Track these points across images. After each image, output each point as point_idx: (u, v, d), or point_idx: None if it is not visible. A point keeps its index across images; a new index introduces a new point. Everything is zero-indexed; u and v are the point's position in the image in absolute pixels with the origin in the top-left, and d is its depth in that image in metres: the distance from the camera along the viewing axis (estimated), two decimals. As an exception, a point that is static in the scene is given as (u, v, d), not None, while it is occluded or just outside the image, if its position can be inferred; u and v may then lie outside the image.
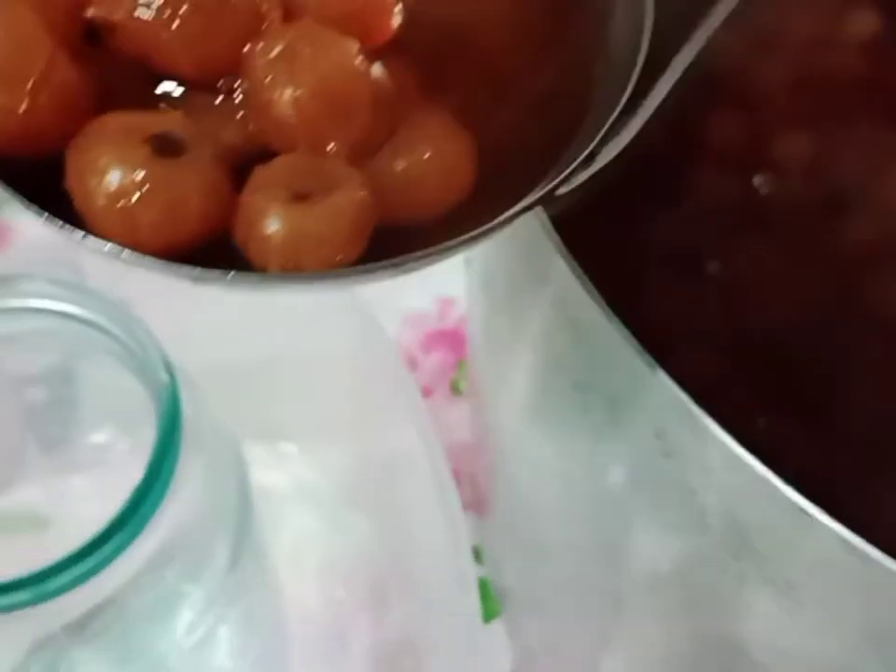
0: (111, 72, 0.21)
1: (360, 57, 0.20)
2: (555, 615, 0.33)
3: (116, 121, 0.20)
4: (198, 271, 0.19)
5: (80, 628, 0.26)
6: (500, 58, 0.23)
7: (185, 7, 0.20)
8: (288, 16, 0.21)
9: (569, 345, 0.24)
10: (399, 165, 0.21)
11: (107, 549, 0.24)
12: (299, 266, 0.20)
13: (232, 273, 0.19)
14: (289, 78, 0.20)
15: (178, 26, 0.20)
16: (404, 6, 0.21)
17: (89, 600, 0.25)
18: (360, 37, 0.21)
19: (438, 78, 0.22)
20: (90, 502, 0.32)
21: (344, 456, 0.40)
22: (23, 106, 0.20)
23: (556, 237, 0.22)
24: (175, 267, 0.19)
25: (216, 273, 0.19)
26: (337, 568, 0.40)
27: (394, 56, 0.22)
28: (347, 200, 0.20)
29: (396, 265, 0.20)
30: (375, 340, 0.36)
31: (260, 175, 0.20)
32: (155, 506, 0.24)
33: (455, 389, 0.44)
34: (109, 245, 0.19)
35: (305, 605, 0.40)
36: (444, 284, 0.46)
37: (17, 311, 0.27)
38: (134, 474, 0.26)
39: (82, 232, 0.19)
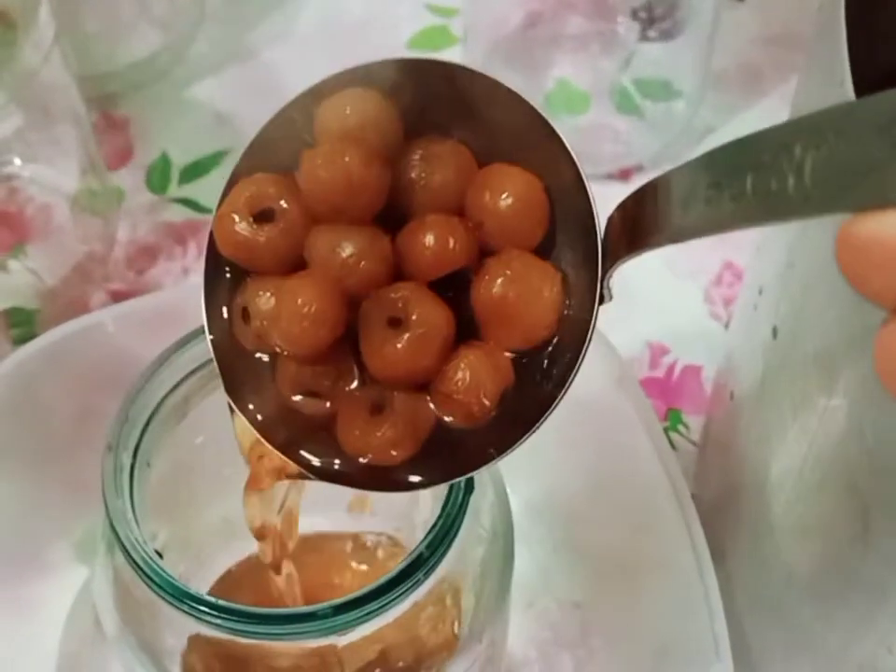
0: None
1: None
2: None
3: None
4: None
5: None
6: None
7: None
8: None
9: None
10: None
11: (395, 593, 0.24)
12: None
13: None
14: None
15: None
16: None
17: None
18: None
19: None
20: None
21: (566, 488, 0.39)
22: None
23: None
24: None
25: None
26: (544, 610, 0.40)
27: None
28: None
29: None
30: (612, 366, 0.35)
31: None
32: (442, 556, 0.25)
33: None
34: None
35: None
36: (655, 330, 0.46)
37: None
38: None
39: None
